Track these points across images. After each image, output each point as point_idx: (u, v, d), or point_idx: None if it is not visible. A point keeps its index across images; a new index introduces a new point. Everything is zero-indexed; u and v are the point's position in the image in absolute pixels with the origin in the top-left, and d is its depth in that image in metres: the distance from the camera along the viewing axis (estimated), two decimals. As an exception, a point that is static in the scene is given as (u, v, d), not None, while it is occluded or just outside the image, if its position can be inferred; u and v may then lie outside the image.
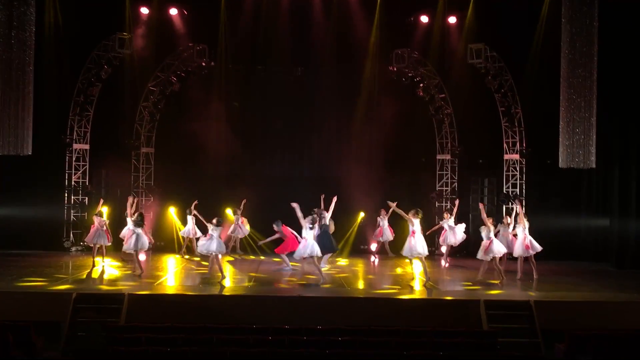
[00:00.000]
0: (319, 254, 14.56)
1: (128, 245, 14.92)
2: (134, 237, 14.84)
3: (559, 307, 12.85)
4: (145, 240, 15.08)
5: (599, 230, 19.80)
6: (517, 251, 15.65)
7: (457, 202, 18.53)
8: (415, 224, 14.37)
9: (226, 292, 13.62)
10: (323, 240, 15.16)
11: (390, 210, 17.64)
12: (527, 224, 15.73)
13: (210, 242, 14.44)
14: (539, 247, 15.64)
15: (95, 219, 16.40)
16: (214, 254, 14.55)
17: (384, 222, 19.10)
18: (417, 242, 14.33)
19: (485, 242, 14.76)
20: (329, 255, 16.42)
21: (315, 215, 15.07)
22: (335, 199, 15.95)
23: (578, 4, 16.87)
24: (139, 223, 14.98)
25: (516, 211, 16.07)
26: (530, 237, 15.62)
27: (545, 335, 11.95)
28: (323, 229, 15.52)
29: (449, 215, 17.65)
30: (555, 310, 12.66)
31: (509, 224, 16.21)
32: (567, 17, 16.97)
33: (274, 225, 16.93)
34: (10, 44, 16.85)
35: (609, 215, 19.28)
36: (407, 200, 20.02)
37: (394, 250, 18.68)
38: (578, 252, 19.87)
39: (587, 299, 13.48)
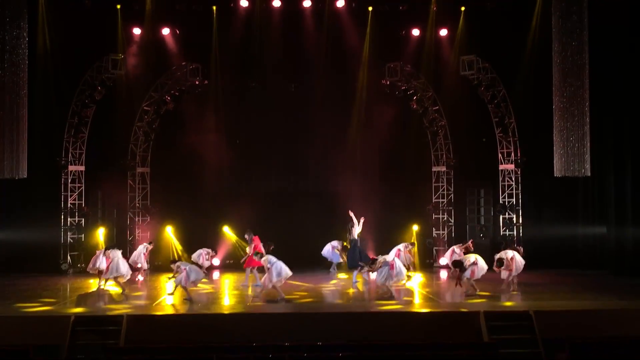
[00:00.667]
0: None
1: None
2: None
3: (559, 316, 12.81)
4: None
5: (596, 238, 19.82)
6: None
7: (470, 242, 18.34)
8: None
9: (225, 311, 13.57)
10: (352, 255, 15.59)
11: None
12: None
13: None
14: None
15: (112, 253, 15.91)
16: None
17: None
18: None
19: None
20: (359, 269, 16.56)
21: None
22: (363, 219, 16.75)
23: (568, 13, 17.01)
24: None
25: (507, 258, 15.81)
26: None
27: (546, 344, 11.92)
28: (353, 244, 15.99)
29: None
30: (556, 320, 12.63)
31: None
32: (558, 26, 17.10)
33: (246, 235, 16.98)
34: (3, 67, 16.91)
35: (606, 222, 19.30)
36: (403, 213, 20.14)
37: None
38: (576, 261, 19.87)
39: (587, 307, 13.46)
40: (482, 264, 15.04)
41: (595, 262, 19.63)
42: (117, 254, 15.65)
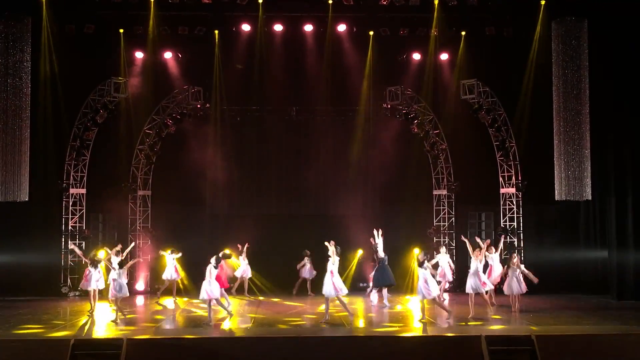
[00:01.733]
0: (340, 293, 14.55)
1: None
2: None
3: (561, 340, 12.72)
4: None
5: (598, 262, 19.76)
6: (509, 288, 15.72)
7: (502, 238, 18.33)
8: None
9: (226, 334, 13.50)
10: (382, 273, 15.95)
11: None
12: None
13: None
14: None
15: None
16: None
17: None
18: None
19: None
20: (386, 288, 16.88)
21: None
22: (380, 231, 16.85)
23: (568, 38, 17.15)
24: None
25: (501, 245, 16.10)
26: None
27: (548, 369, 11.86)
28: (381, 263, 16.21)
29: (493, 250, 17.40)
30: (557, 344, 12.54)
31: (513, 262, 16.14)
32: (558, 50, 17.26)
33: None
34: (6, 90, 17.04)
35: (608, 246, 19.25)
36: (405, 237, 20.09)
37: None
38: (578, 285, 19.81)
39: (589, 332, 13.37)
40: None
41: (598, 286, 19.55)
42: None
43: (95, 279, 15.82)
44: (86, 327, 14.35)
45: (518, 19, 19.53)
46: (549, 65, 17.82)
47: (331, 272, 14.37)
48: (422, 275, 14.43)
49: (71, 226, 20.14)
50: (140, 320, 15.19)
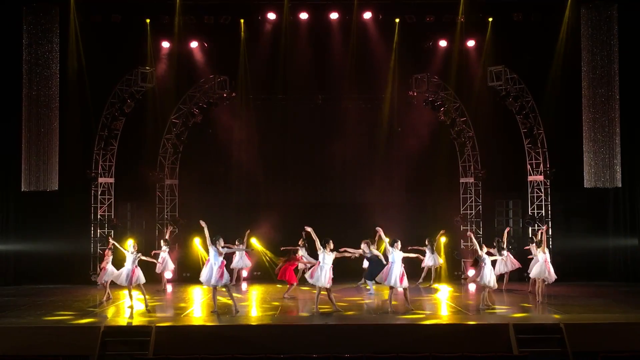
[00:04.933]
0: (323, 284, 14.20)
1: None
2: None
3: (590, 329, 12.62)
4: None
5: (627, 250, 19.57)
6: (537, 272, 15.45)
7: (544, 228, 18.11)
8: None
9: (253, 322, 13.59)
10: (376, 268, 15.65)
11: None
12: (547, 251, 15.59)
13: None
14: (554, 277, 15.47)
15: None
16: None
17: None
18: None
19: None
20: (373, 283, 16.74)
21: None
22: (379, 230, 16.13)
23: (597, 22, 16.92)
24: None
25: (541, 235, 15.83)
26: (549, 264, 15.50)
27: (577, 358, 11.79)
28: (377, 258, 15.95)
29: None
30: (587, 333, 12.45)
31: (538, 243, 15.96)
32: (587, 36, 17.02)
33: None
34: (36, 81, 17.25)
35: (637, 234, 19.04)
36: (431, 224, 20.03)
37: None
38: (606, 273, 19.66)
39: (619, 320, 13.26)
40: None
41: (627, 274, 19.38)
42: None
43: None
44: (114, 314, 14.54)
45: (546, 4, 19.28)
46: (577, 50, 17.59)
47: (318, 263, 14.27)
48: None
49: (100, 215, 20.35)
50: (168, 307, 15.32)
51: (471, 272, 18.53)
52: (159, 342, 12.22)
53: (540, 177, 20.33)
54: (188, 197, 21.09)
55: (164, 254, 18.00)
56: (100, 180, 20.42)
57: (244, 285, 19.16)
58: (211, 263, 13.83)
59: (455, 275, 20.40)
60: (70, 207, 20.03)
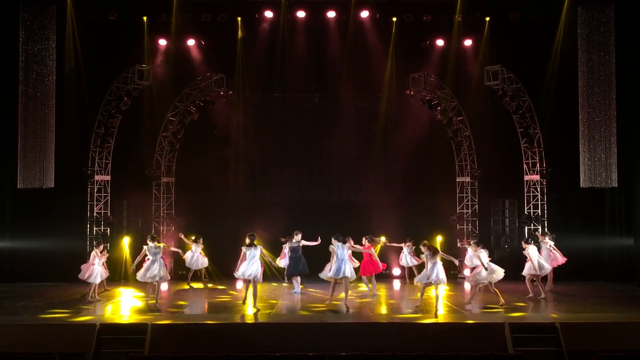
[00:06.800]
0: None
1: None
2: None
3: (586, 328, 12.66)
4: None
5: (623, 250, 19.60)
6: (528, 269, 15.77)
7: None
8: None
9: (249, 320, 13.60)
10: (295, 263, 16.69)
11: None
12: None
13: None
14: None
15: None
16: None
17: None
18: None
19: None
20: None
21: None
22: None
23: (594, 22, 16.95)
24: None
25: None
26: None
27: (572, 357, 11.82)
28: (296, 253, 16.76)
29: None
30: (582, 332, 12.48)
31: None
32: (584, 36, 17.06)
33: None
34: (32, 78, 17.22)
35: (633, 234, 19.07)
36: (427, 223, 20.05)
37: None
38: (603, 273, 19.68)
39: (614, 320, 13.30)
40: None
41: (623, 274, 19.41)
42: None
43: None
44: (111, 312, 14.53)
45: (543, 4, 19.29)
46: (574, 51, 17.62)
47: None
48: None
49: (96, 212, 20.32)
50: (164, 305, 15.32)
51: (467, 272, 18.53)
52: (154, 340, 12.22)
53: (537, 177, 20.36)
54: (185, 194, 21.07)
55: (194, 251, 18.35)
56: (97, 177, 20.38)
57: (239, 284, 19.14)
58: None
59: (451, 274, 20.36)
60: (66, 204, 19.97)
